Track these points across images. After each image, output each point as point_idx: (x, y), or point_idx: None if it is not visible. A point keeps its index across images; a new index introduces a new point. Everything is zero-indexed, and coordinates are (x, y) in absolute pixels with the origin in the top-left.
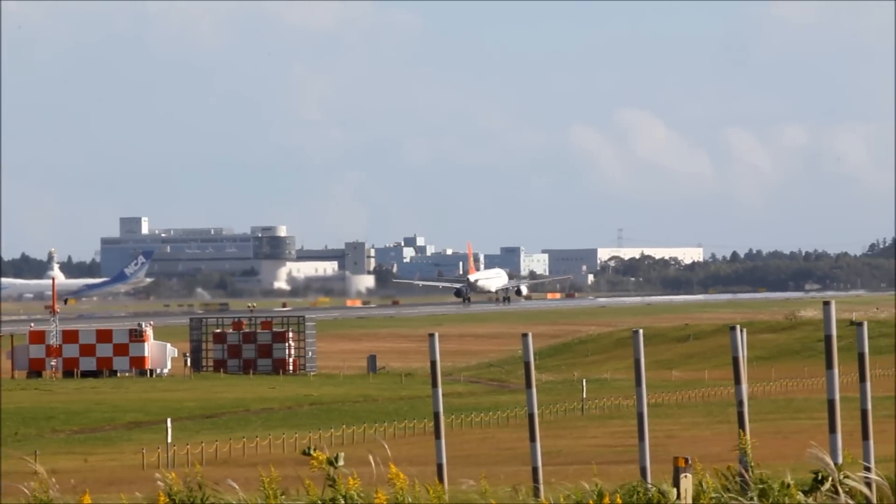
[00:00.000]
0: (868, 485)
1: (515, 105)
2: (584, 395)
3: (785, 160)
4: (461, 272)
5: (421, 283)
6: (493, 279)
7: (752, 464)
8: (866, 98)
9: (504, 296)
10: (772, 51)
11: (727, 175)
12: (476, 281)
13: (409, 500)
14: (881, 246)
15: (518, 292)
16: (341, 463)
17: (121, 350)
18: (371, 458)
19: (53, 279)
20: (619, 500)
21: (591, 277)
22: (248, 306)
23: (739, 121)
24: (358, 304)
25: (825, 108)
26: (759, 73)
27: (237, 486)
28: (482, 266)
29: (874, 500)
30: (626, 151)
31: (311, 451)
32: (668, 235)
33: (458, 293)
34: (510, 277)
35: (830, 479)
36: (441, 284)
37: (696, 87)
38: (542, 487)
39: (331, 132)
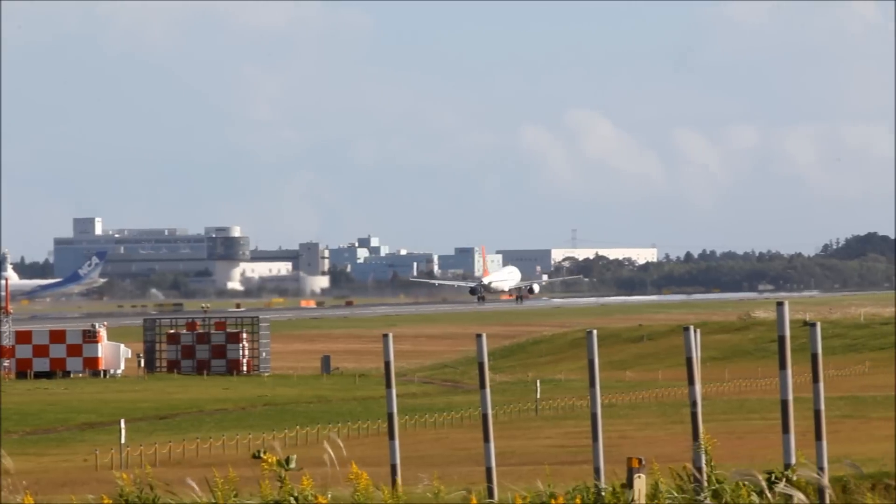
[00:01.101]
0: (819, 486)
1: (465, 105)
2: (538, 396)
3: (735, 161)
4: (415, 273)
5: (437, 282)
6: (506, 280)
7: (707, 464)
8: (815, 99)
9: (518, 295)
10: (722, 52)
11: (677, 176)
12: (490, 283)
13: (366, 500)
14: (834, 247)
15: (531, 291)
16: (293, 465)
17: (74, 351)
18: (327, 457)
19: (6, 280)
20: (578, 500)
21: (545, 278)
22: (202, 307)
23: (689, 122)
24: (312, 304)
25: (775, 109)
26: (709, 74)
27: (195, 485)
28: (436, 267)
29: (826, 501)
30: (577, 152)
31: (262, 454)
32: (621, 236)
33: (472, 291)
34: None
35: (784, 479)
36: (457, 283)
37: (646, 87)
38: (495, 488)
39: (282, 132)
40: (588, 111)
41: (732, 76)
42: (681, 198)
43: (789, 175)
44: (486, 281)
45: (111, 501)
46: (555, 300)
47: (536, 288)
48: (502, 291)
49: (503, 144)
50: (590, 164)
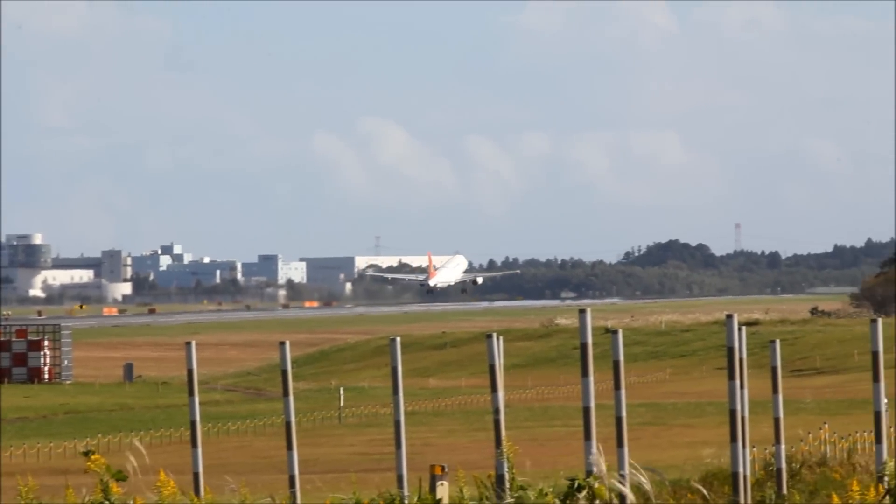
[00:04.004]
0: (622, 494)
1: (259, 112)
2: (342, 404)
3: (527, 168)
4: (218, 280)
5: (391, 276)
6: (450, 280)
7: (510, 471)
8: (606, 107)
9: (462, 288)
10: (514, 59)
11: (470, 183)
12: (436, 285)
13: None
14: (636, 254)
15: (475, 283)
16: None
17: None
18: (130, 466)
19: None
20: None
21: (348, 286)
22: (3, 314)
23: (481, 129)
24: (114, 311)
25: (566, 117)
26: (501, 82)
27: None
28: (239, 275)
29: None
30: (370, 159)
31: (90, 453)
32: (425, 243)
33: (422, 284)
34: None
35: (587, 486)
36: (408, 278)
37: (439, 94)
38: (298, 495)
39: (76, 138)
40: (380, 118)
41: (523, 83)
42: (475, 205)
43: (581, 182)
44: (431, 283)
45: None
46: (358, 308)
47: (480, 280)
48: (449, 286)
49: (297, 151)
50: (385, 172)
